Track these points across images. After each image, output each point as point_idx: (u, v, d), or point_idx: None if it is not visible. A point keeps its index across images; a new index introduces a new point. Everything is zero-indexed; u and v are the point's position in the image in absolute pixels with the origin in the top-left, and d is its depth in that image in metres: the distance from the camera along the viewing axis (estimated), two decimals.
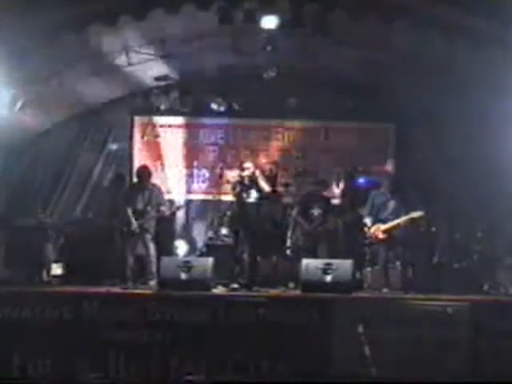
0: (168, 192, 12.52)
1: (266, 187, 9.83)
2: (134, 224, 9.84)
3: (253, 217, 9.81)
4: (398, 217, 9.85)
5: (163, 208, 10.26)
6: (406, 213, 9.76)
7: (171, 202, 12.23)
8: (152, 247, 9.92)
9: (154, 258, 9.84)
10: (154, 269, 9.74)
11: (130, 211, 9.89)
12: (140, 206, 9.97)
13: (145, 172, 10.38)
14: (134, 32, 9.85)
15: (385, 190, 10.19)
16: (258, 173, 10.01)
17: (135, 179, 10.55)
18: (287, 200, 12.00)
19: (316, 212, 10.40)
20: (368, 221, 10.07)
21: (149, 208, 9.95)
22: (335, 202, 11.62)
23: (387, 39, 9.90)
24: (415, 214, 9.77)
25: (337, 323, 7.99)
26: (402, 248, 10.12)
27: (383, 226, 9.91)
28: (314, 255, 9.86)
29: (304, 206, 10.58)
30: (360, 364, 7.85)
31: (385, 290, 9.76)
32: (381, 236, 9.94)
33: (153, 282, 9.67)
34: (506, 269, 10.04)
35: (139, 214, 9.91)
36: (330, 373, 7.85)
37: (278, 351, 7.93)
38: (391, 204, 9.99)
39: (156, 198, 10.11)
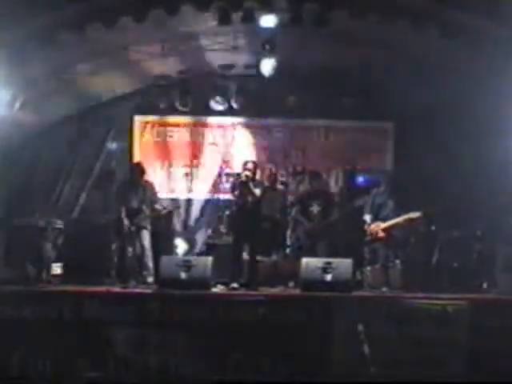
0: (169, 191, 12.59)
1: (256, 191, 9.81)
2: (126, 223, 9.83)
3: (252, 216, 9.81)
4: (397, 216, 9.88)
5: (157, 206, 10.26)
6: (405, 212, 9.79)
7: (172, 201, 12.32)
8: (148, 243, 9.92)
9: (149, 253, 9.86)
10: (150, 264, 9.77)
11: (123, 210, 9.88)
12: (135, 204, 9.94)
13: (138, 168, 10.35)
14: (133, 31, 9.83)
15: (384, 188, 10.23)
16: (256, 174, 10.05)
17: (129, 176, 10.53)
18: (287, 199, 12.01)
19: (315, 210, 10.42)
20: (368, 218, 10.11)
21: (144, 206, 9.94)
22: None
23: (387, 39, 9.91)
24: (413, 215, 9.80)
25: (336, 322, 8.00)
26: (402, 247, 10.14)
27: (382, 225, 9.95)
28: (314, 254, 9.87)
29: (303, 203, 10.59)
30: (360, 363, 7.86)
31: (384, 289, 9.77)
32: (380, 234, 9.97)
33: (150, 279, 9.69)
34: (505, 268, 10.04)
35: (134, 212, 9.89)
36: (329, 372, 7.86)
37: (277, 350, 7.93)
38: (390, 203, 10.04)
39: (150, 195, 10.09)
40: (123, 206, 9.91)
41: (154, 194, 10.35)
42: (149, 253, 9.88)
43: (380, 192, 10.26)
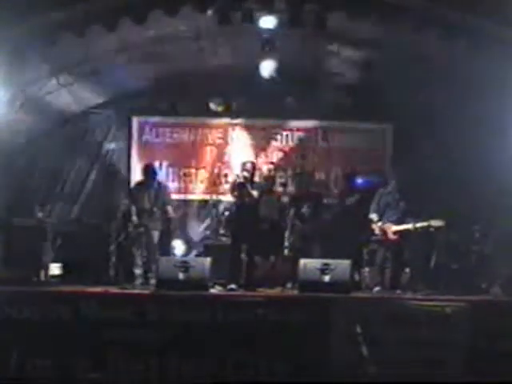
0: None
1: (254, 193, 9.83)
2: (134, 223, 9.87)
3: (250, 217, 9.82)
4: (407, 219, 9.74)
5: (169, 208, 10.27)
6: (423, 219, 9.64)
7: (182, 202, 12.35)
8: (156, 245, 9.96)
9: (157, 254, 9.89)
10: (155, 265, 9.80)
11: (133, 210, 9.92)
12: (146, 205, 9.99)
13: (150, 170, 10.39)
14: (132, 31, 9.84)
15: (392, 188, 10.10)
16: (255, 175, 10.07)
17: (141, 177, 10.57)
18: (285, 200, 12.01)
19: (306, 213, 10.43)
20: (374, 216, 10.02)
21: (155, 209, 9.96)
22: (334, 201, 11.71)
23: (387, 39, 9.91)
24: (435, 223, 9.62)
25: (335, 323, 8.01)
26: (400, 248, 10.11)
27: (395, 227, 9.83)
28: (309, 256, 9.86)
29: (296, 206, 10.62)
30: (358, 364, 7.86)
31: (377, 289, 9.74)
32: (391, 236, 9.85)
33: (153, 280, 9.70)
34: (503, 269, 10.04)
35: (145, 214, 9.93)
36: (328, 372, 7.86)
37: (276, 351, 7.94)
38: (401, 205, 9.92)
39: (162, 197, 10.12)
40: (134, 207, 9.96)
41: (167, 195, 10.39)
42: (156, 254, 9.89)
43: (386, 192, 10.15)
